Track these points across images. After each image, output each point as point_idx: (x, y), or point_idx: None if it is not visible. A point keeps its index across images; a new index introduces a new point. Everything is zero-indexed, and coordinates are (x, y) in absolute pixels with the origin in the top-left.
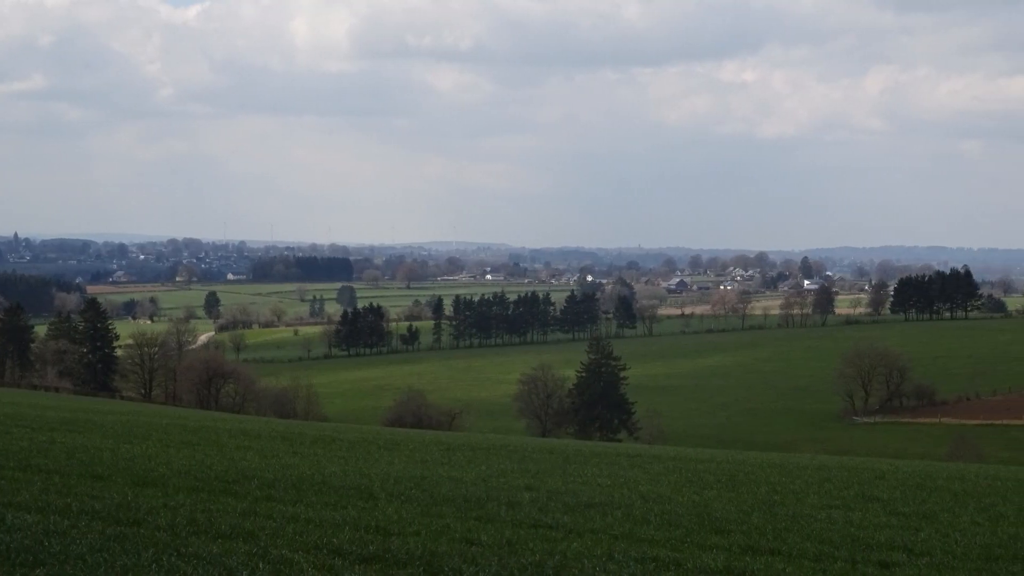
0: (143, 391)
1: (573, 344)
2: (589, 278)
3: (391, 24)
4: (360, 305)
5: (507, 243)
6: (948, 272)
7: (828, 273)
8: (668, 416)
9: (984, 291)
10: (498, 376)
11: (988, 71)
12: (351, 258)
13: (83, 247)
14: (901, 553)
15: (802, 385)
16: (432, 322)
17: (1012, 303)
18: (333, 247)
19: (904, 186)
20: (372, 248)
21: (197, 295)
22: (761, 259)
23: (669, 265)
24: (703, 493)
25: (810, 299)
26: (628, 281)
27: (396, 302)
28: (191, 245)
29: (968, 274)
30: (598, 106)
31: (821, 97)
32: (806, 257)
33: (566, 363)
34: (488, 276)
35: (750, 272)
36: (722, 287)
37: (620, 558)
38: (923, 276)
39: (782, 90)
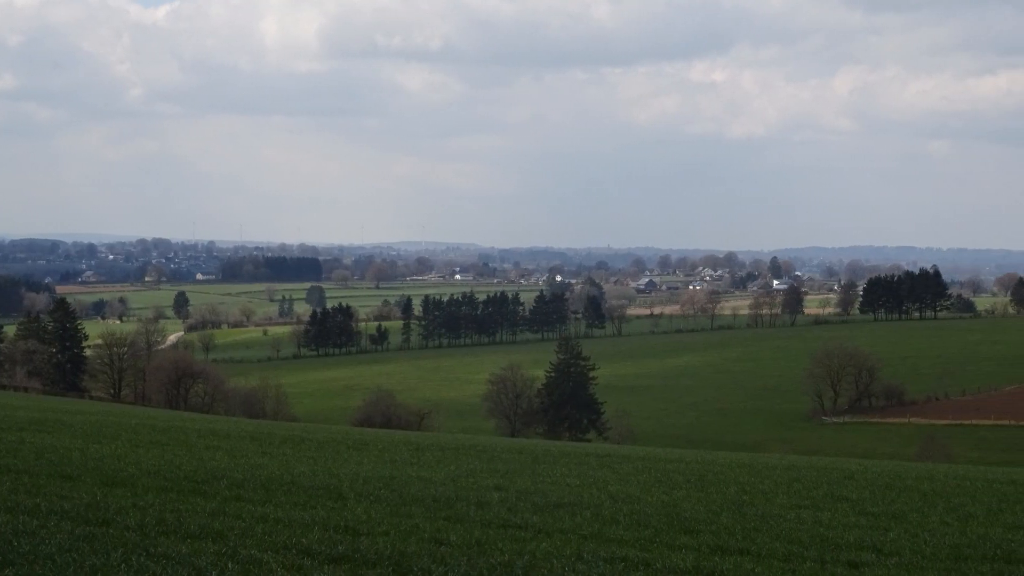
0: (112, 391)
1: (542, 344)
2: (558, 278)
3: (360, 24)
4: (329, 305)
5: (476, 243)
6: (917, 272)
7: (797, 273)
8: (637, 416)
9: (953, 291)
10: (467, 376)
11: (956, 71)
12: (320, 258)
13: (52, 247)
14: (870, 553)
15: (771, 385)
16: (401, 322)
17: (981, 303)
18: (302, 247)
19: (873, 186)
20: (341, 248)
21: (166, 295)
22: (730, 259)
23: (638, 265)
24: (672, 493)
25: (779, 299)
26: (597, 281)
27: (365, 302)
28: (160, 245)
29: (937, 274)
30: (567, 106)
31: (790, 97)
32: (775, 257)
33: (535, 363)
34: (457, 276)
35: (719, 272)
36: (691, 287)
37: (589, 558)
38: (892, 276)
39: (751, 90)
